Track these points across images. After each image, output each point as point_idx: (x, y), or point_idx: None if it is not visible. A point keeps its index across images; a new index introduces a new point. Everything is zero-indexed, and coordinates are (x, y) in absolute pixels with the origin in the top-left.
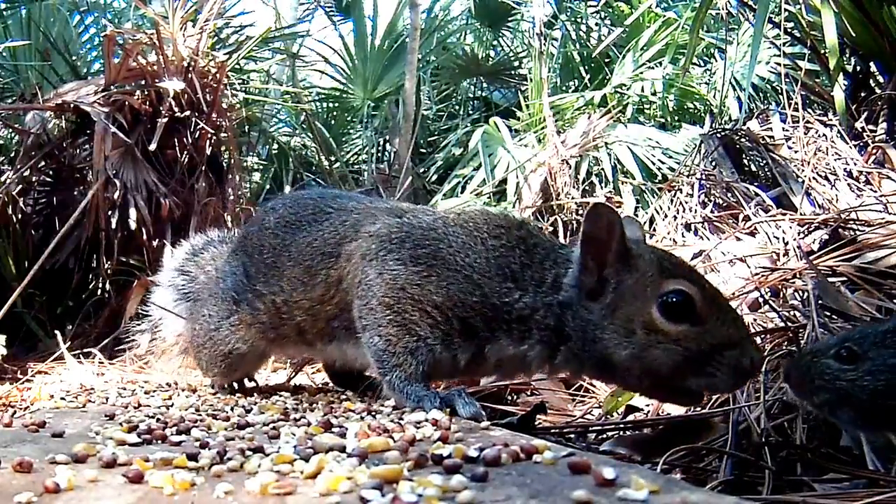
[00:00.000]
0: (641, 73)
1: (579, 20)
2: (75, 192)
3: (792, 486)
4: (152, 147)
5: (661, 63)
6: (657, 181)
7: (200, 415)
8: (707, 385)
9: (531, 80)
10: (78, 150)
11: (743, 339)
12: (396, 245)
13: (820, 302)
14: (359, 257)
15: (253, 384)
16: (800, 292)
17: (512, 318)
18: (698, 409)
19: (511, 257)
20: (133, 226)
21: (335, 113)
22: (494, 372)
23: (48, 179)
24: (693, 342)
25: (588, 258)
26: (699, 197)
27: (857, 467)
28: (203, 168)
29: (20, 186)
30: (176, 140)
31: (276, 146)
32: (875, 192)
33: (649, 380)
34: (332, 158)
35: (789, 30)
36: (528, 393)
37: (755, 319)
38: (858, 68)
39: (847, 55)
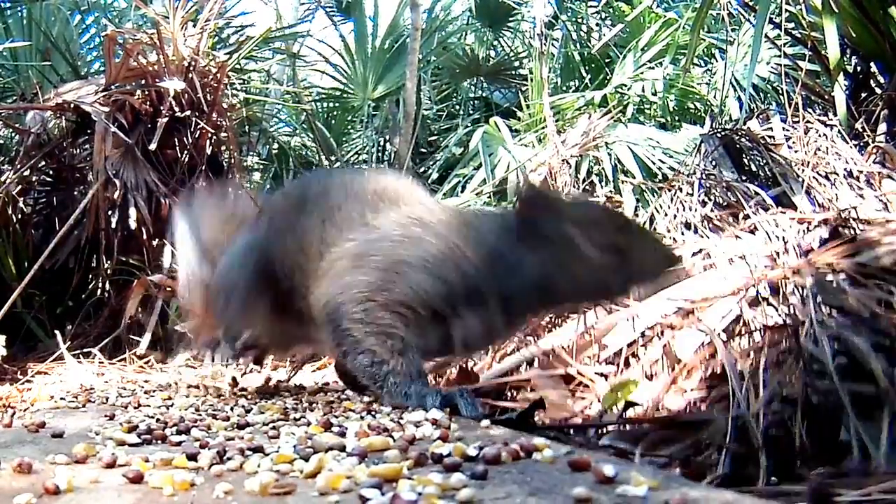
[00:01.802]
0: (642, 73)
1: (580, 20)
2: (75, 192)
3: (790, 480)
4: (152, 147)
5: (661, 63)
6: (657, 180)
7: (200, 415)
8: (624, 285)
9: (532, 80)
10: (78, 150)
11: (665, 248)
12: (359, 260)
13: (819, 299)
14: (329, 275)
15: (260, 379)
16: (799, 289)
17: (469, 291)
18: (697, 405)
19: (459, 236)
20: (133, 226)
21: (335, 113)
22: (462, 349)
23: (48, 179)
24: (620, 269)
25: (525, 212)
26: (699, 196)
27: (853, 461)
28: (203, 168)
29: (20, 186)
30: (176, 140)
31: (276, 146)
32: (875, 191)
33: (581, 293)
34: (333, 158)
35: (790, 30)
36: (528, 389)
37: (755, 317)
38: (859, 69)
39: (847, 55)
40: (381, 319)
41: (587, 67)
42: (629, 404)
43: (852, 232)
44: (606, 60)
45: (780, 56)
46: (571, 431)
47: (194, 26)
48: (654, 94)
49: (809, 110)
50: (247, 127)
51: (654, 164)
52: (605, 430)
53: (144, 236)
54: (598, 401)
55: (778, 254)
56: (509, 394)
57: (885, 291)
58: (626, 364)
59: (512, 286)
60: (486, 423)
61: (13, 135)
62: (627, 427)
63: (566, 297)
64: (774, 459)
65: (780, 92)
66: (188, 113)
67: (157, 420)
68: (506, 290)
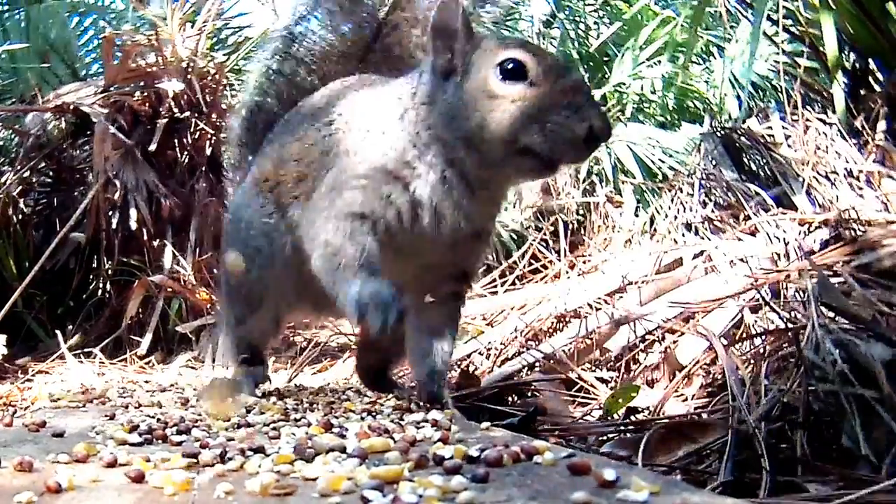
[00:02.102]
0: (640, 71)
1: (578, 19)
2: (75, 193)
3: (791, 487)
4: (152, 148)
5: (660, 61)
6: (657, 180)
7: (201, 415)
8: (549, 149)
9: None
10: (78, 151)
11: (583, 103)
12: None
13: (821, 302)
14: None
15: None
16: (800, 292)
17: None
18: (698, 410)
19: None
20: (133, 226)
21: None
22: (435, 220)
23: (48, 180)
24: (528, 101)
25: (437, 43)
26: (699, 196)
27: (855, 469)
28: (203, 168)
29: (20, 187)
30: (176, 141)
31: None
32: (875, 191)
33: (500, 148)
34: None
35: (788, 27)
36: (529, 394)
37: (756, 320)
38: (857, 65)
39: (846, 52)
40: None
41: (585, 65)
42: (630, 410)
43: (853, 233)
44: (605, 58)
45: (778, 53)
46: (572, 437)
47: (192, 27)
48: (653, 92)
49: (808, 108)
50: None
51: (653, 163)
52: (606, 437)
53: (145, 237)
54: (600, 406)
55: (779, 256)
56: (510, 398)
57: (887, 294)
58: (627, 369)
59: (442, 127)
60: (486, 424)
61: (13, 136)
62: (628, 433)
63: (485, 153)
64: (776, 466)
65: (779, 89)
66: (187, 114)
67: (158, 420)
68: (443, 141)
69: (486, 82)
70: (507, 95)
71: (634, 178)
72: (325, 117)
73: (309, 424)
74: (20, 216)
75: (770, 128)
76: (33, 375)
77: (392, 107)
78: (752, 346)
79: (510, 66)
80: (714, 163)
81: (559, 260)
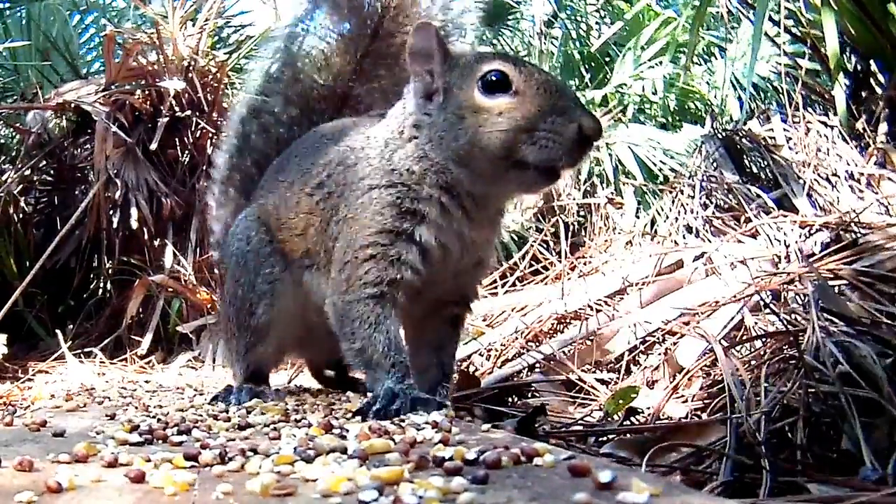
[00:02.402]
0: (642, 72)
1: (579, 19)
2: (76, 192)
3: (791, 489)
4: (153, 146)
5: (661, 62)
6: (658, 181)
7: (201, 415)
8: (543, 157)
9: None
10: (79, 150)
11: (569, 106)
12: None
13: (821, 305)
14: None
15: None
16: (801, 295)
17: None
18: (698, 412)
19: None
20: (134, 225)
21: None
22: (441, 257)
23: (49, 179)
24: (514, 111)
25: (416, 67)
26: (700, 198)
27: (855, 471)
28: (204, 167)
29: (21, 186)
30: (177, 139)
31: None
32: (876, 193)
33: (494, 163)
34: None
35: (789, 28)
36: (529, 395)
37: (756, 322)
38: (859, 67)
39: (847, 54)
40: (357, 279)
41: (587, 66)
42: (630, 411)
43: (854, 236)
44: (606, 59)
45: (779, 54)
46: (573, 438)
47: (193, 26)
48: (655, 93)
49: (810, 110)
50: None
51: (654, 164)
52: (606, 438)
53: (146, 236)
54: (600, 407)
55: (780, 258)
56: (510, 399)
57: (887, 297)
58: (628, 371)
59: (439, 156)
60: (486, 426)
61: (14, 134)
62: (628, 434)
63: (478, 171)
64: (776, 467)
65: (781, 91)
66: (188, 112)
67: (158, 420)
68: (438, 166)
69: (470, 97)
70: (493, 108)
71: (635, 179)
72: (314, 180)
73: (309, 425)
74: (21, 215)
75: (771, 130)
76: (34, 375)
77: (379, 152)
78: (752, 349)
79: (492, 78)
80: (715, 165)
81: (560, 261)
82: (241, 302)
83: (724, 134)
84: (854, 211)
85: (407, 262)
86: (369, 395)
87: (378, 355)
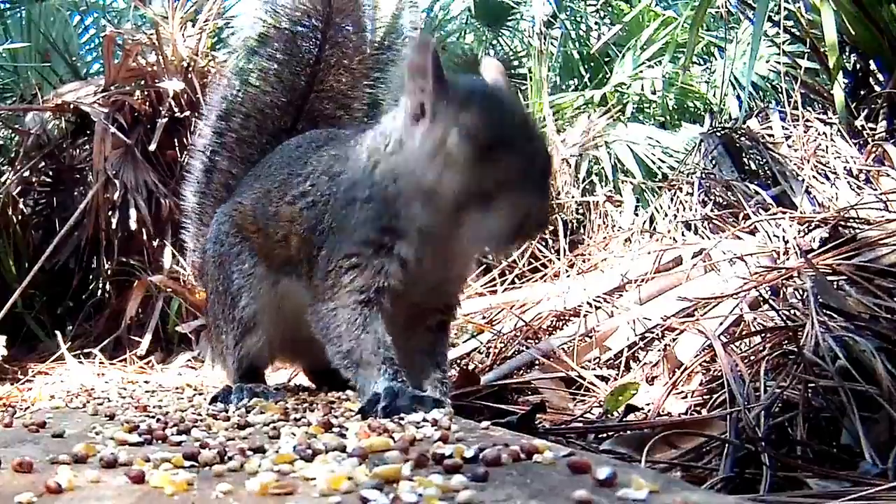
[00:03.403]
0: (641, 71)
1: (579, 19)
2: (75, 193)
3: (791, 484)
4: (152, 147)
5: (660, 62)
6: (657, 180)
7: (200, 415)
8: (488, 228)
9: (531, 79)
10: (78, 151)
11: (527, 191)
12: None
13: (820, 300)
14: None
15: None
16: (800, 291)
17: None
18: (698, 407)
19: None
20: (133, 226)
21: None
22: (416, 271)
23: (48, 180)
24: (477, 174)
25: (411, 85)
26: (699, 196)
27: (855, 466)
28: None
29: (20, 187)
30: (176, 140)
31: None
32: (875, 190)
33: (450, 210)
34: None
35: (789, 28)
36: (529, 392)
37: (755, 318)
38: (858, 66)
39: (847, 53)
40: (341, 287)
41: (586, 66)
42: (630, 408)
43: (852, 232)
44: (605, 59)
45: (779, 54)
46: (572, 435)
47: (193, 26)
48: (654, 92)
49: (809, 108)
50: None
51: (653, 163)
52: (606, 435)
53: (145, 237)
54: (599, 404)
55: (778, 254)
56: (510, 396)
57: (886, 292)
58: (627, 367)
59: (409, 182)
60: (486, 424)
61: (13, 136)
62: (628, 431)
63: (435, 208)
64: (776, 462)
65: (780, 90)
66: (188, 113)
67: (158, 420)
68: (408, 191)
69: (445, 139)
70: (461, 161)
71: (634, 177)
72: (295, 189)
73: (309, 424)
74: (20, 216)
75: (770, 127)
76: (33, 376)
77: (363, 165)
78: (751, 344)
79: (467, 129)
80: (714, 162)
81: (559, 259)
82: (224, 297)
83: (722, 132)
84: (853, 207)
85: (389, 272)
86: (362, 395)
87: (367, 354)
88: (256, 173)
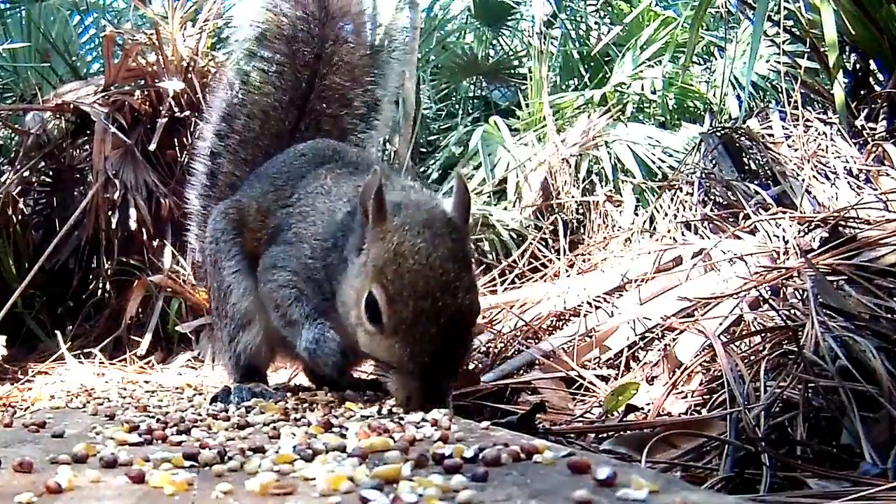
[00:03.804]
0: (641, 71)
1: (579, 19)
2: (75, 193)
3: (791, 484)
4: (152, 147)
5: (660, 61)
6: (657, 180)
7: (201, 415)
8: (391, 390)
9: (531, 79)
10: (78, 151)
11: (411, 375)
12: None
13: (820, 300)
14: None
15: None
16: (800, 291)
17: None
18: (698, 407)
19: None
20: (133, 226)
21: None
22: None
23: (48, 180)
24: (377, 346)
25: (359, 217)
26: (699, 195)
27: (855, 466)
28: None
29: (20, 187)
30: (176, 140)
31: None
32: (875, 189)
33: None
34: None
35: (789, 28)
36: (529, 392)
37: (755, 318)
38: (858, 66)
39: (847, 53)
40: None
41: (586, 66)
42: (630, 408)
43: (852, 232)
44: (605, 59)
45: (779, 54)
46: (572, 435)
47: (193, 26)
48: (654, 92)
49: (809, 108)
50: None
51: (653, 163)
52: (606, 435)
53: (144, 236)
54: (599, 404)
55: (778, 254)
56: (510, 397)
57: (886, 292)
58: (627, 367)
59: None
60: (485, 424)
61: (13, 136)
62: (628, 431)
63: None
64: (776, 462)
65: (780, 90)
66: (188, 113)
67: (158, 420)
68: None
69: (360, 298)
70: (366, 327)
71: (634, 177)
72: (287, 195)
73: (309, 424)
74: (20, 216)
75: (770, 127)
76: (33, 376)
77: (331, 228)
78: (751, 344)
79: (372, 303)
80: (714, 162)
81: (559, 259)
82: (218, 293)
83: (722, 131)
84: (852, 206)
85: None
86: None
87: (297, 315)
88: (259, 173)
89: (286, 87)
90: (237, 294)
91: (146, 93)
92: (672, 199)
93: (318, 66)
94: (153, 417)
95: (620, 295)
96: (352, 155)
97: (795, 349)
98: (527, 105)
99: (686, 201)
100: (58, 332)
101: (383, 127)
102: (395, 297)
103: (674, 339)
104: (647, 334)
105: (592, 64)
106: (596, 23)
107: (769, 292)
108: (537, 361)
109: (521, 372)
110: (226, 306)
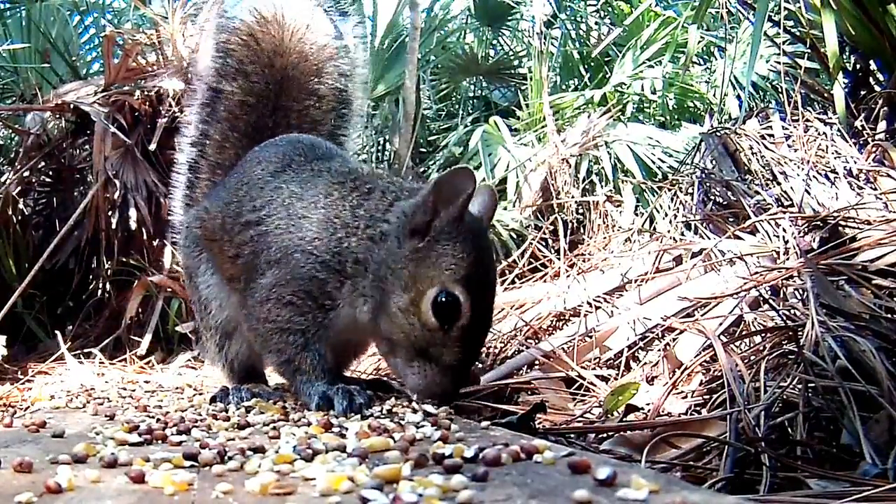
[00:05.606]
0: (641, 71)
1: (579, 19)
2: (75, 193)
3: (791, 484)
4: (152, 147)
5: (660, 62)
6: (657, 180)
7: (201, 415)
8: (411, 380)
9: (531, 79)
10: (78, 151)
11: (448, 373)
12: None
13: (820, 300)
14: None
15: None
16: (800, 291)
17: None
18: (698, 407)
19: (342, 205)
20: (133, 226)
21: None
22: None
23: (48, 180)
24: (428, 339)
25: (430, 198)
26: (699, 195)
27: (855, 466)
28: None
29: (20, 187)
30: (176, 140)
31: None
32: (875, 190)
33: (390, 342)
34: None
35: (789, 28)
36: (529, 392)
37: (755, 318)
38: (858, 67)
39: (847, 54)
40: (280, 316)
41: (586, 66)
42: (630, 408)
43: (852, 232)
44: (606, 59)
45: (779, 54)
46: (572, 435)
47: (193, 26)
48: (654, 92)
49: (809, 108)
50: None
51: (653, 163)
52: (606, 435)
53: (144, 237)
54: (599, 404)
55: (778, 254)
56: (510, 397)
57: (886, 292)
58: (627, 367)
59: (372, 277)
60: (485, 423)
61: (13, 136)
62: (628, 431)
63: (384, 336)
64: (776, 462)
65: (780, 90)
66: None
67: (158, 420)
68: (365, 286)
69: (424, 290)
70: (428, 323)
71: (634, 177)
72: (251, 214)
73: (309, 424)
74: (20, 216)
75: (770, 127)
76: (33, 376)
77: (329, 229)
78: (751, 344)
79: (444, 301)
80: (714, 162)
81: (559, 259)
82: (199, 305)
83: (722, 131)
84: (853, 207)
85: (323, 322)
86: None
87: (305, 366)
88: (224, 182)
89: (253, 90)
90: (216, 306)
91: (146, 93)
92: (672, 199)
93: (282, 70)
94: (153, 417)
95: (620, 295)
96: (316, 166)
97: (795, 349)
98: (527, 105)
99: (686, 201)
100: (58, 332)
101: (357, 119)
102: (475, 303)
103: (674, 339)
104: (647, 334)
105: (592, 64)
106: (596, 23)
107: (769, 292)
108: (537, 361)
109: (521, 372)
110: (208, 319)
